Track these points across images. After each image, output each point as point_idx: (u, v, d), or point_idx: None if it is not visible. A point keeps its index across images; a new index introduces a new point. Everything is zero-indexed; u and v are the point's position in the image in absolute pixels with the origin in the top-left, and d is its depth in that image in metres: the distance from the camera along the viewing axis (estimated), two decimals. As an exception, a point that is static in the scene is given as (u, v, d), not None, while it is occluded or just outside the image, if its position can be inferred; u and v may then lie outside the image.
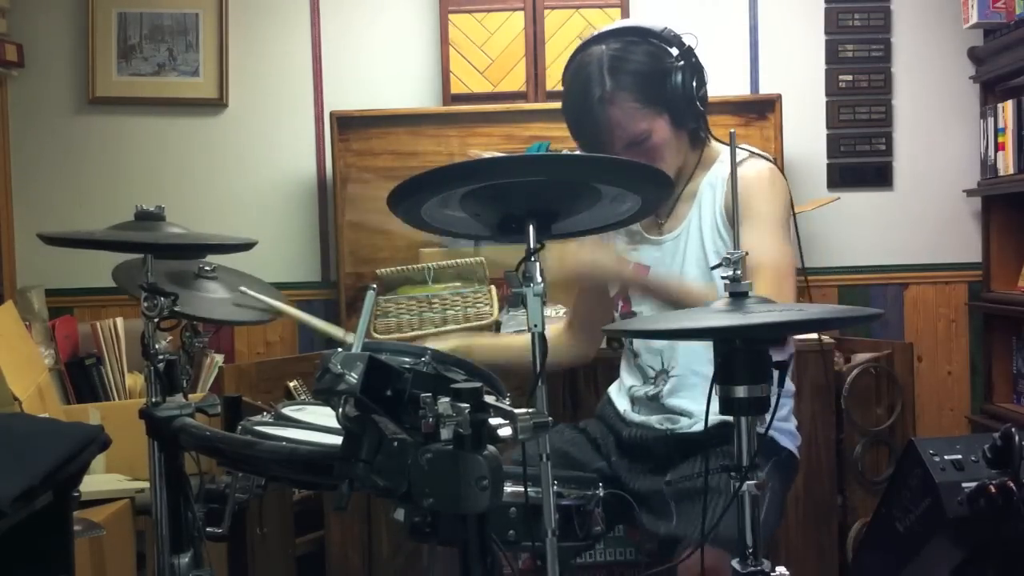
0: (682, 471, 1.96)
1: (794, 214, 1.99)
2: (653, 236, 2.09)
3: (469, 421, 1.18)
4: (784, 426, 2.05)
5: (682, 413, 2.02)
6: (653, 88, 1.94)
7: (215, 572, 1.81)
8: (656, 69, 1.95)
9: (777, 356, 1.34)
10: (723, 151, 2.05)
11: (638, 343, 2.11)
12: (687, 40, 1.98)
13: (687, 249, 2.02)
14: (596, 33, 2.02)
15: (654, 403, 2.06)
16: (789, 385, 2.11)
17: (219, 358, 3.30)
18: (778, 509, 2.01)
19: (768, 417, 1.39)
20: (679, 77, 1.94)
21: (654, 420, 2.05)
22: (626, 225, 1.85)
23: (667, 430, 2.02)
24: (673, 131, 1.98)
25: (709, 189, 2.02)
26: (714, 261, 1.96)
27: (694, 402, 2.00)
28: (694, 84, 1.96)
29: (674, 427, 2.02)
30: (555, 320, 2.43)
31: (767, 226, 1.94)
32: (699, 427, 1.97)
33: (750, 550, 1.36)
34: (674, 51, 1.96)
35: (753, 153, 2.03)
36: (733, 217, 1.52)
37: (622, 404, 2.13)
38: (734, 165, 1.49)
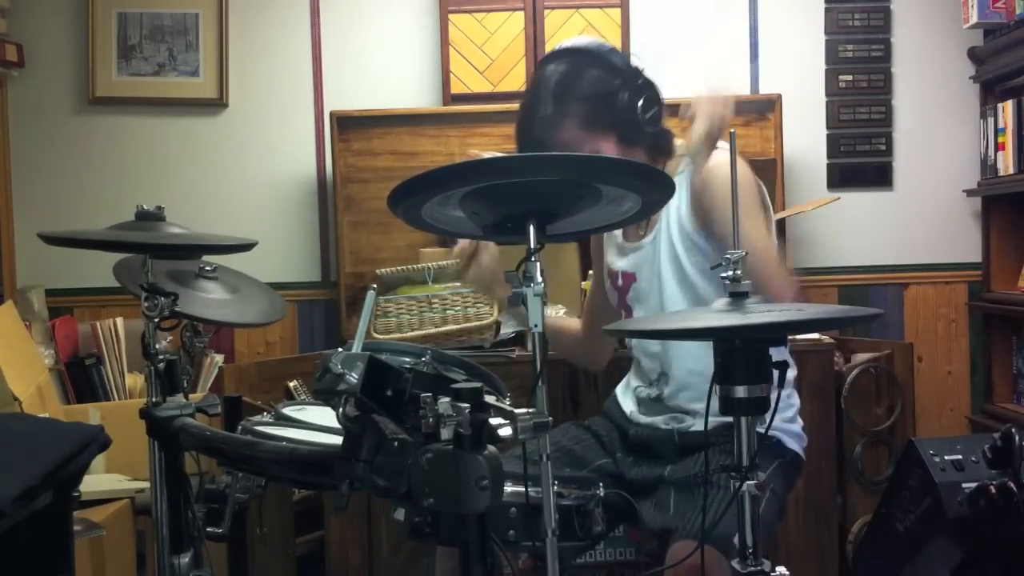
0: (684, 466, 1.97)
1: (763, 194, 1.98)
2: (632, 243, 2.12)
3: (469, 421, 1.18)
4: (790, 427, 2.05)
5: (687, 412, 2.03)
6: (597, 112, 1.97)
7: (215, 572, 1.81)
8: (600, 92, 1.97)
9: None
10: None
11: (636, 348, 2.14)
12: (635, 62, 2.01)
13: (661, 252, 2.04)
14: (553, 50, 2.06)
15: (658, 404, 2.08)
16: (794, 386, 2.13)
17: (219, 358, 3.30)
18: (778, 509, 2.01)
19: (768, 417, 1.39)
20: (625, 99, 1.97)
21: (659, 421, 2.07)
22: (626, 225, 1.86)
23: (673, 429, 2.04)
24: (623, 149, 2.00)
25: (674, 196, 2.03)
26: (686, 259, 1.99)
27: (696, 401, 2.02)
28: (640, 105, 1.97)
29: (680, 426, 2.03)
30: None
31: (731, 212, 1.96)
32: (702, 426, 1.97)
33: (750, 550, 1.36)
34: (621, 74, 1.99)
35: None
36: (733, 217, 1.51)
37: (628, 406, 2.15)
38: (734, 165, 1.49)
